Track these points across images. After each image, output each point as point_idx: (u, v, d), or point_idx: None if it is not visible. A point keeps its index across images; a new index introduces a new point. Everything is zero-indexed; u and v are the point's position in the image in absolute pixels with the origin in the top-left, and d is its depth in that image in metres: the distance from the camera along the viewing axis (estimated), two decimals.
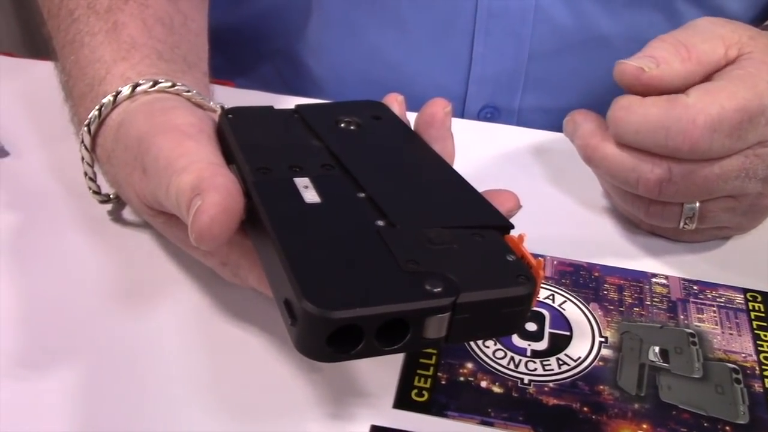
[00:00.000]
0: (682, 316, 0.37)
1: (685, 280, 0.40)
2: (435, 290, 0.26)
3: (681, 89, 0.37)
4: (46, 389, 0.33)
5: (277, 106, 0.37)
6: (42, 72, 0.43)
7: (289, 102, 0.50)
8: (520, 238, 0.29)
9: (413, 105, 0.38)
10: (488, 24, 0.52)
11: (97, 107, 0.36)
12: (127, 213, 0.42)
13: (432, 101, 0.35)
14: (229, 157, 0.33)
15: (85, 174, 0.39)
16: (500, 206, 0.32)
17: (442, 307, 0.26)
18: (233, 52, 0.59)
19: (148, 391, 0.33)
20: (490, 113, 0.56)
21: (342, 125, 0.36)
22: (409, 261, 0.27)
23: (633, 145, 0.37)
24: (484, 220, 0.30)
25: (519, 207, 0.33)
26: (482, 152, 0.47)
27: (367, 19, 0.53)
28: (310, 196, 0.30)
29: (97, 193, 0.40)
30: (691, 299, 0.38)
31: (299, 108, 0.37)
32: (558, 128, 0.42)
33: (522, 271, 0.27)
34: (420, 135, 0.36)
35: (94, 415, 0.32)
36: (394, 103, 0.37)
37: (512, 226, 0.30)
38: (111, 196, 0.41)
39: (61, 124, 0.42)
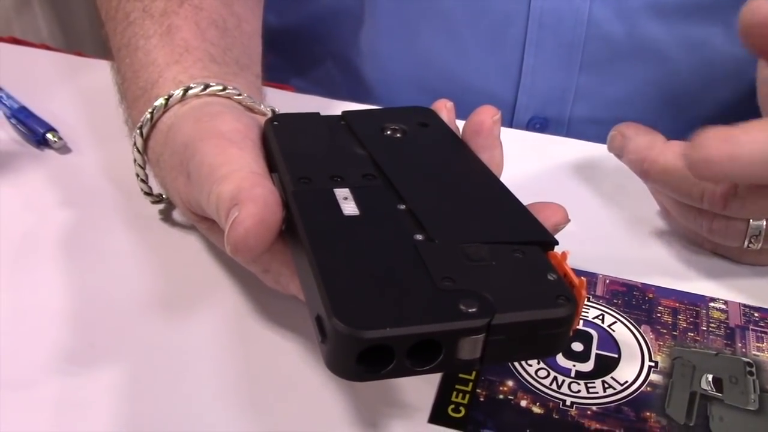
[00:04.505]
0: (739, 344, 0.36)
1: (745, 306, 0.38)
2: (469, 310, 0.25)
3: None
4: (90, 386, 0.33)
5: (332, 112, 0.37)
6: (109, 71, 0.44)
7: (343, 107, 0.50)
8: (563, 255, 0.28)
9: (463, 113, 0.37)
10: (539, 36, 0.51)
11: (149, 110, 0.37)
12: (177, 214, 0.42)
13: (480, 109, 0.35)
14: (272, 165, 0.33)
15: (137, 175, 0.40)
16: (546, 220, 0.31)
17: (476, 329, 0.25)
18: (290, 53, 0.59)
19: (183, 392, 0.33)
20: (540, 124, 0.55)
21: (387, 132, 0.35)
22: (445, 278, 0.26)
23: (741, 181, 0.33)
24: (526, 236, 0.29)
25: (567, 221, 0.32)
26: (532, 163, 0.46)
27: (420, 26, 0.53)
28: (349, 207, 0.30)
29: (149, 194, 0.41)
30: (751, 327, 0.36)
31: (345, 114, 0.36)
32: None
33: (562, 291, 0.26)
34: (467, 143, 0.35)
35: (133, 414, 0.32)
36: (443, 109, 0.37)
37: (556, 242, 0.29)
38: (163, 196, 0.41)
39: (122, 124, 0.43)
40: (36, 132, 0.47)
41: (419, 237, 0.29)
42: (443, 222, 0.29)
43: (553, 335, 0.26)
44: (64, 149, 0.47)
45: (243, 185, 0.30)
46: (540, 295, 0.26)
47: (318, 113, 0.36)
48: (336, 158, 0.33)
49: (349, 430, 0.32)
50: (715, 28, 0.50)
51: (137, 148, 0.38)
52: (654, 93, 0.50)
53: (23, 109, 0.48)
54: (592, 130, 0.54)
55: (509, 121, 0.56)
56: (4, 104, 0.49)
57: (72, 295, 0.37)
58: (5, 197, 0.43)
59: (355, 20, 0.55)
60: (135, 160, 0.39)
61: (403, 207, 0.30)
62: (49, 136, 0.47)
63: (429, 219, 0.29)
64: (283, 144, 0.33)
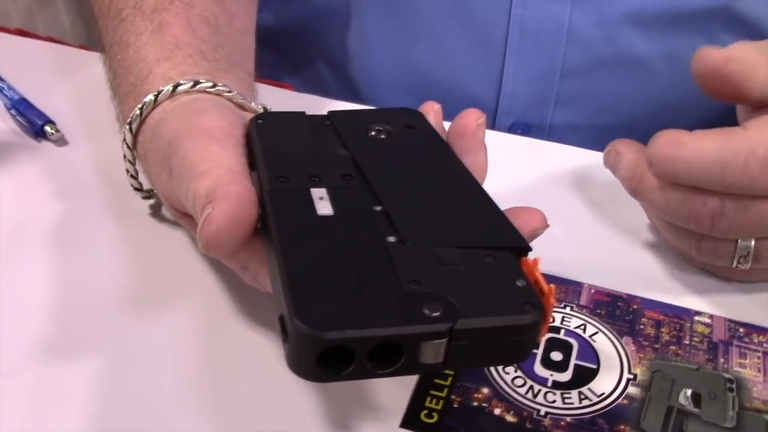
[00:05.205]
0: (722, 360, 0.35)
1: (731, 321, 0.37)
2: (433, 314, 0.25)
3: (756, 101, 0.34)
4: (67, 377, 0.34)
5: (324, 111, 0.37)
6: None
7: (335, 106, 0.50)
8: (535, 262, 0.28)
9: (447, 117, 0.37)
10: (520, 44, 0.51)
11: (138, 106, 0.37)
12: (167, 210, 0.42)
13: (465, 112, 0.34)
14: (253, 163, 0.33)
15: (127, 171, 0.40)
16: (524, 225, 0.31)
17: (437, 333, 0.25)
18: (286, 51, 0.60)
19: (159, 387, 0.33)
20: (521, 129, 0.55)
21: (372, 133, 0.35)
22: (412, 281, 0.26)
23: (685, 182, 0.34)
24: (499, 241, 0.29)
25: (545, 226, 0.32)
26: (519, 167, 0.46)
27: (404, 30, 0.53)
28: (324, 207, 0.30)
29: (139, 189, 0.41)
30: (735, 342, 0.36)
31: (331, 114, 0.36)
32: (591, 146, 0.40)
33: (530, 298, 0.26)
34: (451, 146, 0.35)
35: (108, 407, 0.33)
36: (430, 111, 0.37)
37: (529, 248, 0.29)
38: (153, 191, 0.41)
39: None
40: (34, 124, 0.47)
41: (392, 239, 0.28)
42: (417, 225, 0.29)
43: (518, 342, 0.26)
44: (61, 142, 0.47)
45: (219, 182, 0.30)
46: (506, 301, 0.26)
47: (303, 112, 0.37)
48: (316, 158, 0.33)
49: (319, 430, 0.32)
50: (696, 39, 0.50)
51: (126, 144, 0.39)
52: (635, 101, 0.50)
53: (23, 101, 0.49)
54: (574, 136, 0.54)
55: (491, 126, 0.56)
56: (5, 95, 0.49)
57: (57, 286, 0.38)
58: (0, 187, 0.44)
59: (343, 21, 0.55)
60: (125, 156, 0.39)
61: (379, 208, 0.30)
62: (46, 128, 0.47)
63: (403, 221, 0.29)
64: (265, 142, 0.33)
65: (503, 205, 0.32)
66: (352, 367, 0.25)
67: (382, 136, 0.35)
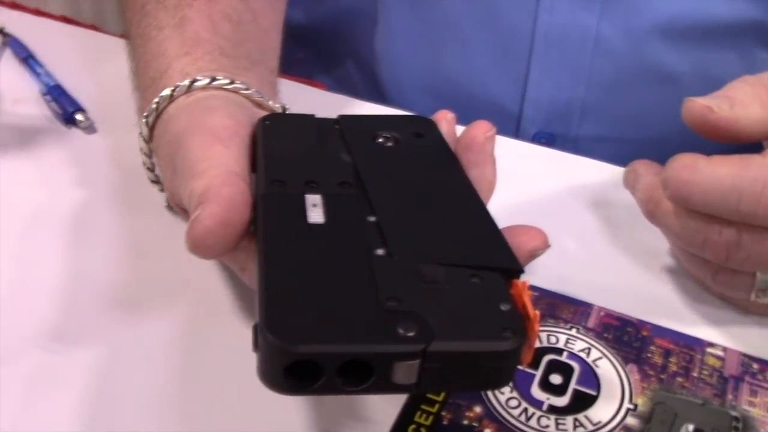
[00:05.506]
0: (730, 396, 0.33)
1: (745, 355, 0.35)
2: (407, 334, 0.24)
3: (757, 138, 0.33)
4: (65, 365, 0.34)
5: (350, 111, 0.37)
6: None
7: (362, 107, 0.49)
8: (524, 285, 0.27)
9: (470, 121, 0.36)
10: (545, 50, 0.50)
11: (155, 100, 0.37)
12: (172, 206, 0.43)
13: (474, 123, 0.34)
14: (255, 165, 0.33)
15: (144, 164, 0.40)
16: (523, 245, 0.30)
17: (410, 354, 0.24)
18: (317, 49, 0.60)
19: (151, 384, 0.34)
20: (546, 139, 0.53)
21: (379, 140, 0.35)
22: (392, 298, 0.26)
23: (698, 209, 0.33)
24: (489, 261, 0.28)
25: (546, 247, 0.31)
26: (538, 179, 0.44)
27: (430, 32, 0.53)
28: (315, 215, 0.29)
29: (156, 182, 0.41)
30: (747, 378, 0.34)
31: (341, 118, 0.36)
32: (618, 160, 0.39)
33: (511, 324, 0.25)
34: (459, 158, 0.34)
35: (102, 399, 0.33)
36: (443, 121, 0.36)
37: (521, 271, 0.28)
38: None
39: None
40: (65, 110, 0.48)
41: (380, 252, 0.28)
42: (407, 238, 0.29)
43: (496, 368, 0.25)
44: (90, 129, 0.48)
45: (213, 183, 0.30)
46: (486, 325, 0.25)
47: (313, 115, 0.36)
48: (317, 163, 0.33)
49: None
50: (729, 54, 0.48)
51: (143, 137, 0.39)
52: (664, 116, 0.48)
53: (57, 87, 0.50)
54: (600, 149, 0.53)
55: (514, 134, 0.55)
56: (42, 81, 0.51)
57: (66, 273, 0.38)
58: (24, 171, 0.45)
59: (370, 21, 0.55)
60: (141, 149, 0.40)
61: (373, 219, 0.30)
62: (77, 115, 0.48)
63: (394, 234, 0.29)
64: (268, 144, 0.33)
65: (515, 218, 0.31)
66: (320, 381, 0.24)
67: (389, 144, 0.35)
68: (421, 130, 0.36)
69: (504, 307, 0.26)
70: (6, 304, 0.37)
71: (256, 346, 0.25)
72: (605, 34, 0.50)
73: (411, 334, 0.24)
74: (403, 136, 0.35)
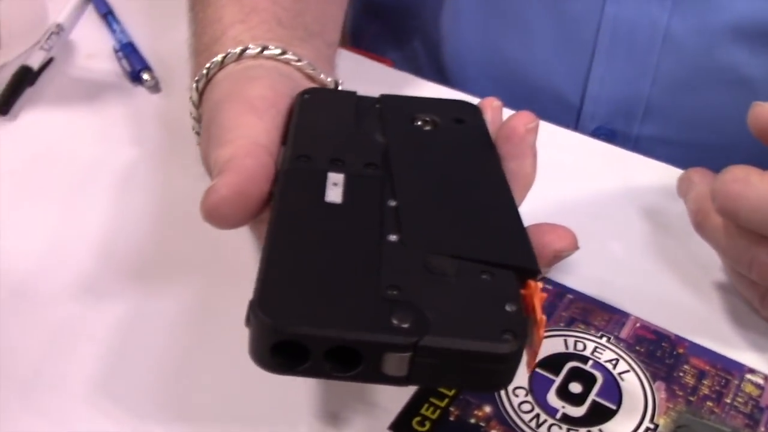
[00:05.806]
0: (763, 429, 0.31)
1: None
2: (401, 325, 0.24)
3: None
4: (94, 319, 0.35)
5: (410, 92, 0.36)
6: None
7: (422, 87, 0.48)
8: (536, 286, 0.26)
9: (529, 108, 0.35)
10: (611, 44, 0.47)
11: (206, 66, 0.38)
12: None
13: (516, 114, 0.32)
14: (286, 139, 0.32)
15: (193, 128, 0.41)
16: (549, 245, 0.28)
17: (400, 346, 0.23)
18: (388, 23, 0.59)
19: (168, 347, 0.34)
20: (606, 135, 0.51)
21: (417, 123, 0.34)
22: (393, 286, 0.25)
23: (747, 226, 0.31)
24: (505, 258, 0.27)
25: (574, 249, 0.29)
26: (591, 174, 0.42)
27: (494, 16, 0.51)
28: (334, 194, 0.29)
29: None
30: None
31: (383, 98, 0.35)
32: (680, 163, 0.37)
33: (513, 326, 0.24)
34: (498, 149, 0.33)
35: (125, 354, 0.34)
36: (488, 108, 0.34)
37: (538, 272, 0.27)
38: None
39: None
40: (134, 68, 0.50)
41: (393, 238, 0.27)
42: (423, 226, 0.28)
43: (492, 370, 0.24)
44: (155, 89, 0.49)
45: (237, 153, 0.29)
46: (486, 324, 0.24)
47: (355, 92, 0.35)
48: (347, 141, 0.32)
49: (309, 418, 0.31)
50: None
51: (193, 102, 0.39)
52: (733, 120, 0.45)
53: (129, 45, 0.51)
54: (663, 150, 0.50)
55: (574, 127, 0.53)
56: (116, 37, 0.52)
57: (108, 230, 0.39)
58: (86, 124, 0.46)
59: (437, 1, 0.53)
60: (191, 113, 0.40)
61: (393, 203, 0.29)
62: (143, 74, 0.49)
63: (410, 220, 0.28)
64: (302, 118, 0.33)
65: (561, 214, 0.29)
66: (307, 364, 0.24)
67: (427, 128, 0.34)
68: (464, 115, 0.34)
69: (509, 308, 0.25)
70: (49, 251, 0.38)
71: (248, 321, 0.25)
72: (676, 30, 0.48)
73: (405, 325, 0.24)
74: (444, 121, 0.34)
